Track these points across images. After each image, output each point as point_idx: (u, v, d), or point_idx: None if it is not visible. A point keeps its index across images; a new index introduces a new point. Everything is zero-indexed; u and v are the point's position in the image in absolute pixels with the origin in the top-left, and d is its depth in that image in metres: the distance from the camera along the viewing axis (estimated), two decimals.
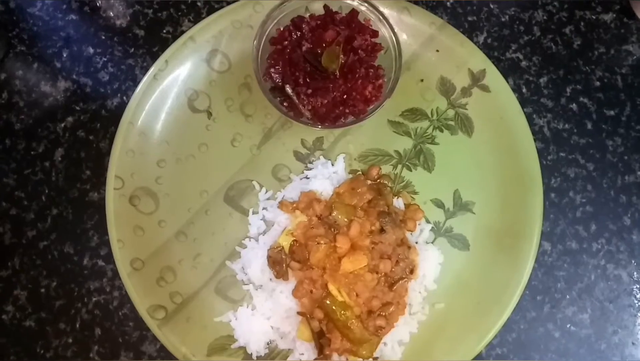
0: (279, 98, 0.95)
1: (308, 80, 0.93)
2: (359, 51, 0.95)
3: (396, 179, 1.02)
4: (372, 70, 0.96)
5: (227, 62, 1.04)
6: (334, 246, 0.87)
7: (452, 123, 1.03)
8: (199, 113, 1.00)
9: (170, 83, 1.00)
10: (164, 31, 1.10)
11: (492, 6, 1.15)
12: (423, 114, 1.03)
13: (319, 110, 0.94)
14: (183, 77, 1.00)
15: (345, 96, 0.94)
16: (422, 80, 1.04)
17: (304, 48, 0.94)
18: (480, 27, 1.14)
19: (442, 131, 1.02)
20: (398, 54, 0.97)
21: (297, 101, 0.93)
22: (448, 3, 1.15)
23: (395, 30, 0.99)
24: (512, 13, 1.15)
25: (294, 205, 0.94)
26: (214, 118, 1.00)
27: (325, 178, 0.96)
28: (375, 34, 0.98)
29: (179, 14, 1.11)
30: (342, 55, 0.93)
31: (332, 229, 0.89)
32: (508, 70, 1.11)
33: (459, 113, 1.03)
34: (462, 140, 1.01)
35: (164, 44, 1.06)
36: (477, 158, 1.00)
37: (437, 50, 1.06)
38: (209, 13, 1.08)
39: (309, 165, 1.01)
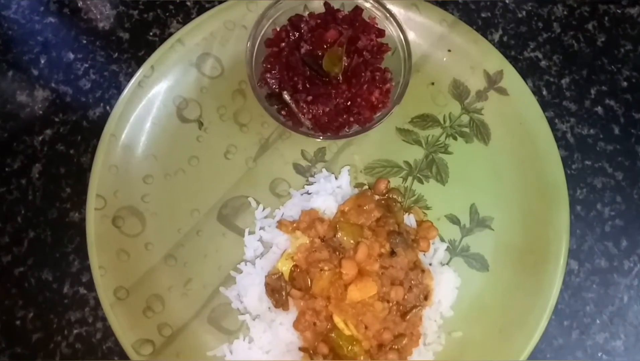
0: (276, 107, 0.86)
1: (308, 85, 0.85)
2: (364, 53, 0.86)
3: (406, 193, 0.93)
4: (378, 74, 0.87)
5: (219, 67, 0.96)
6: (339, 272, 0.78)
7: (467, 130, 0.95)
8: (188, 124, 0.93)
9: (157, 90, 0.93)
10: (151, 34, 1.01)
11: (507, 1, 1.06)
12: (434, 121, 0.96)
13: (320, 119, 0.85)
14: (171, 83, 0.93)
15: (349, 103, 0.85)
16: (432, 84, 0.96)
17: (302, 50, 0.85)
18: (495, 24, 1.05)
19: (455, 139, 0.95)
20: (407, 55, 0.88)
21: (296, 109, 0.84)
22: None
23: (404, 29, 0.89)
24: (530, 8, 1.06)
25: (294, 224, 0.85)
26: (206, 128, 0.93)
27: (328, 194, 0.87)
28: (381, 33, 0.89)
29: (167, 14, 1.03)
30: (345, 58, 0.84)
31: (337, 252, 0.80)
32: (526, 70, 1.02)
33: (474, 119, 0.96)
34: (478, 148, 0.94)
35: (151, 48, 0.97)
36: (495, 169, 0.93)
37: (449, 50, 0.97)
38: (199, 13, 1.00)
39: (310, 179, 0.93)
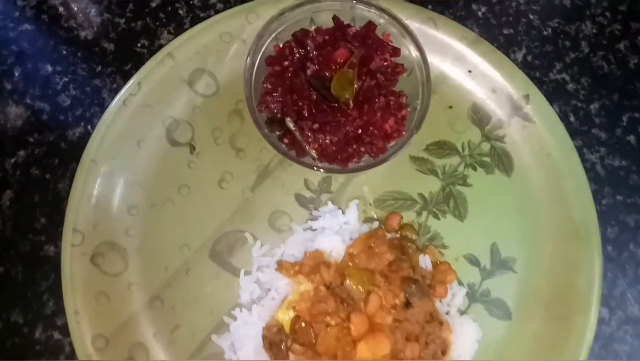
0: (277, 133, 0.76)
1: (314, 111, 0.76)
2: (378, 75, 0.77)
3: (421, 230, 0.84)
4: (393, 99, 0.77)
5: (214, 84, 0.87)
6: (348, 327, 0.68)
7: (488, 159, 0.87)
8: (179, 148, 0.85)
9: (145, 110, 0.85)
10: (139, 45, 0.92)
11: (531, 17, 0.97)
12: (452, 149, 0.88)
13: (327, 149, 0.76)
14: (160, 102, 0.85)
15: (360, 131, 0.76)
16: (450, 107, 0.89)
17: (308, 71, 0.75)
18: (519, 42, 0.96)
19: (475, 169, 0.87)
20: (426, 78, 0.78)
21: (300, 138, 0.74)
22: (480, 12, 0.97)
23: (422, 47, 0.80)
24: (556, 25, 0.97)
25: (297, 267, 0.75)
26: (198, 153, 0.85)
27: (334, 232, 0.78)
28: (396, 52, 0.80)
29: (157, 24, 0.93)
30: (356, 80, 0.74)
31: (345, 304, 0.70)
32: (552, 94, 0.93)
33: (496, 147, 0.88)
34: (499, 180, 0.86)
35: (138, 61, 0.89)
36: (519, 204, 0.85)
37: (469, 71, 0.90)
38: (192, 24, 0.91)
39: (315, 213, 0.84)
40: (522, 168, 0.86)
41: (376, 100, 0.75)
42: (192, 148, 0.85)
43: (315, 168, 0.74)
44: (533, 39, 0.96)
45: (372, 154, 0.76)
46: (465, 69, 0.89)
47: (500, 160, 0.87)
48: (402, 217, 0.84)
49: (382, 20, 0.80)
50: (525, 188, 0.85)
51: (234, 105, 0.86)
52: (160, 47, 0.89)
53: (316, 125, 0.74)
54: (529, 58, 0.95)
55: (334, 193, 0.85)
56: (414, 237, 0.84)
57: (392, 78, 0.79)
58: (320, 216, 0.83)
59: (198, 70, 0.86)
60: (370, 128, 0.75)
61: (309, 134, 0.74)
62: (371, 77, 0.77)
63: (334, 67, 0.76)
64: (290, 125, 0.74)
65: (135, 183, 0.83)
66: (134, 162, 0.83)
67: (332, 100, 0.74)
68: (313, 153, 0.75)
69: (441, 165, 0.87)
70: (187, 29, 0.88)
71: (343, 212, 0.83)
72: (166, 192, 0.83)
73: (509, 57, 0.92)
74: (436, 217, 0.85)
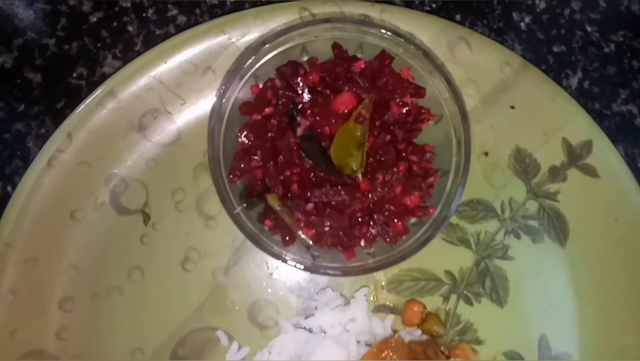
0: (259, 214, 0.55)
1: (307, 182, 0.54)
2: (395, 129, 0.55)
3: (449, 320, 0.69)
4: (416, 160, 0.56)
5: (175, 130, 0.69)
6: None
7: (535, 224, 0.71)
8: (129, 217, 0.68)
9: (80, 169, 0.66)
10: (74, 75, 0.72)
11: (589, 28, 0.77)
12: (489, 210, 0.71)
13: (324, 235, 0.54)
14: (101, 158, 0.67)
15: (371, 207, 0.55)
16: (486, 154, 0.72)
17: (299, 128, 0.53)
18: (572, 62, 0.76)
19: (519, 237, 0.70)
20: (463, 126, 0.58)
21: (288, 221, 0.53)
22: (522, 23, 0.75)
23: (455, 84, 0.59)
24: (620, 39, 0.77)
25: None
26: (154, 223, 0.68)
27: (335, 341, 0.59)
28: (420, 92, 0.59)
29: (98, 45, 0.72)
30: (367, 141, 0.53)
31: None
32: (616, 131, 0.75)
33: (546, 208, 0.71)
34: (550, 251, 0.70)
35: (74, 97, 0.71)
36: (575, 283, 0.69)
37: (512, 107, 0.71)
38: (146, 45, 0.69)
39: (309, 303, 0.67)
40: (580, 236, 0.70)
41: (394, 171, 0.54)
42: (146, 217, 0.68)
43: (306, 269, 0.54)
44: (591, 59, 0.76)
45: (388, 239, 0.56)
46: (507, 104, 0.71)
47: (552, 225, 0.71)
48: (424, 307, 0.65)
49: (400, 50, 0.58)
50: (584, 262, 0.69)
51: (201, 157, 0.68)
52: (104, 77, 0.70)
53: (310, 206, 0.53)
54: (586, 84, 0.75)
55: None
56: (440, 331, 0.65)
57: (414, 128, 0.58)
58: (317, 307, 0.66)
59: (152, 111, 0.67)
60: (386, 205, 0.54)
61: (302, 217, 0.53)
62: (386, 131, 0.55)
63: (333, 120, 0.54)
64: (275, 205, 0.53)
65: (69, 268, 0.66)
66: (66, 240, 0.66)
67: (333, 172, 0.53)
68: (307, 240, 0.55)
69: (475, 232, 0.70)
70: (138, 54, 0.69)
71: (347, 301, 0.66)
72: (112, 277, 0.66)
73: (560, 83, 0.74)
74: (468, 302, 0.69)
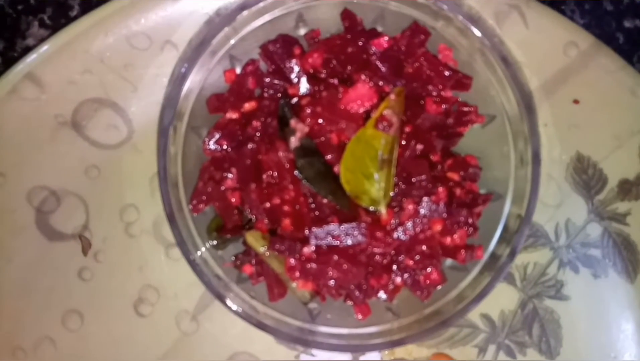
0: (235, 257, 0.41)
1: (304, 217, 0.39)
2: (432, 137, 0.40)
3: None
4: (458, 181, 0.41)
5: (125, 126, 0.54)
6: None
7: (598, 253, 0.60)
8: (62, 243, 0.55)
9: None
10: None
11: None
12: (539, 235, 0.60)
13: (332, 288, 0.40)
14: (18, 166, 0.54)
15: (394, 253, 0.40)
16: None
17: (293, 136, 0.38)
18: None
19: (576, 271, 0.59)
20: (528, 134, 0.43)
21: (277, 268, 0.39)
22: None
23: (515, 70, 0.44)
24: None
25: None
26: (97, 253, 0.56)
27: None
28: (464, 83, 0.44)
29: (19, 8, 0.57)
30: (395, 156, 0.37)
31: None
32: None
33: (612, 233, 0.60)
34: (616, 288, 0.60)
35: None
36: None
37: (576, 101, 0.58)
38: (86, 10, 0.57)
39: (304, 357, 0.54)
40: None
41: (431, 193, 0.38)
42: (86, 245, 0.55)
43: (295, 343, 0.40)
44: None
45: (420, 293, 0.40)
46: (569, 97, 0.56)
47: (619, 255, 0.60)
48: None
49: (439, 22, 0.41)
50: None
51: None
52: (26, 51, 0.53)
53: (309, 250, 0.37)
54: None
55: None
56: None
57: (453, 133, 0.42)
58: None
59: (91, 101, 0.52)
60: (417, 247, 0.39)
61: (296, 265, 0.38)
62: (418, 140, 0.39)
63: (343, 124, 0.38)
64: (257, 246, 0.38)
65: None
66: None
67: (342, 202, 0.37)
68: (306, 295, 0.40)
69: (520, 265, 0.59)
70: (74, 19, 0.54)
71: (355, 358, 0.53)
72: (40, 325, 0.54)
73: (633, 66, 0.59)
74: (511, 354, 0.58)
